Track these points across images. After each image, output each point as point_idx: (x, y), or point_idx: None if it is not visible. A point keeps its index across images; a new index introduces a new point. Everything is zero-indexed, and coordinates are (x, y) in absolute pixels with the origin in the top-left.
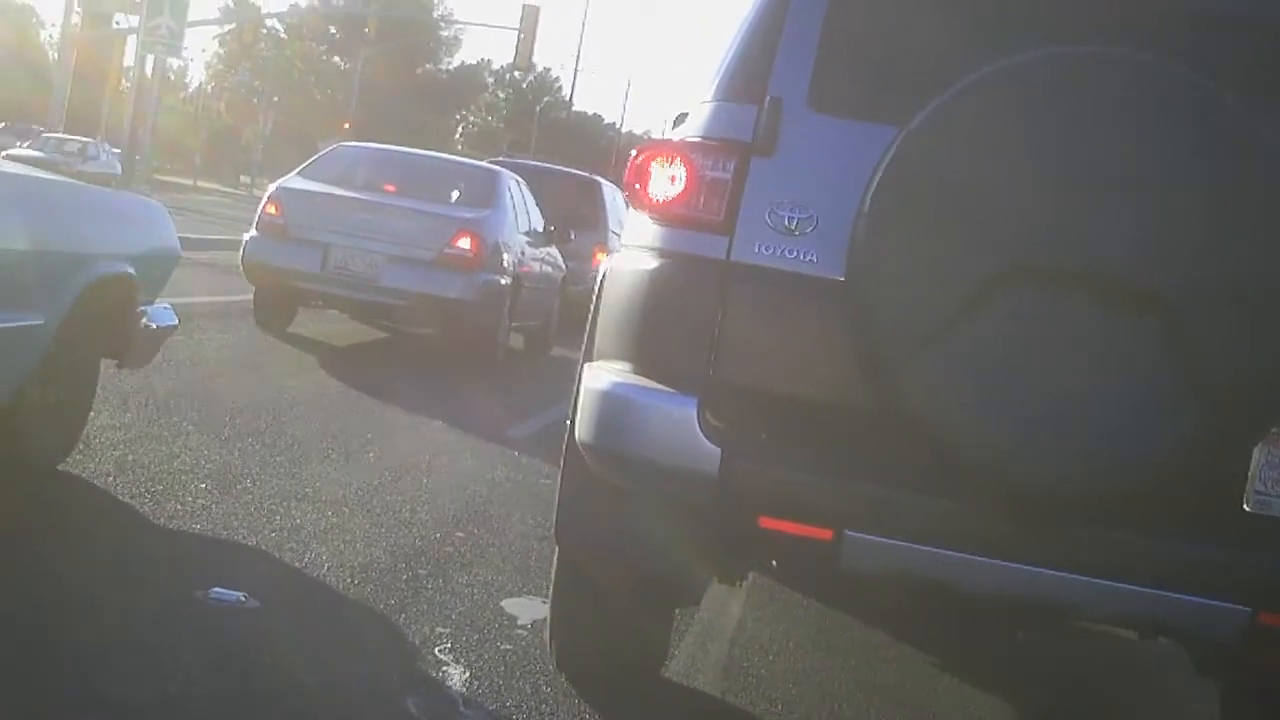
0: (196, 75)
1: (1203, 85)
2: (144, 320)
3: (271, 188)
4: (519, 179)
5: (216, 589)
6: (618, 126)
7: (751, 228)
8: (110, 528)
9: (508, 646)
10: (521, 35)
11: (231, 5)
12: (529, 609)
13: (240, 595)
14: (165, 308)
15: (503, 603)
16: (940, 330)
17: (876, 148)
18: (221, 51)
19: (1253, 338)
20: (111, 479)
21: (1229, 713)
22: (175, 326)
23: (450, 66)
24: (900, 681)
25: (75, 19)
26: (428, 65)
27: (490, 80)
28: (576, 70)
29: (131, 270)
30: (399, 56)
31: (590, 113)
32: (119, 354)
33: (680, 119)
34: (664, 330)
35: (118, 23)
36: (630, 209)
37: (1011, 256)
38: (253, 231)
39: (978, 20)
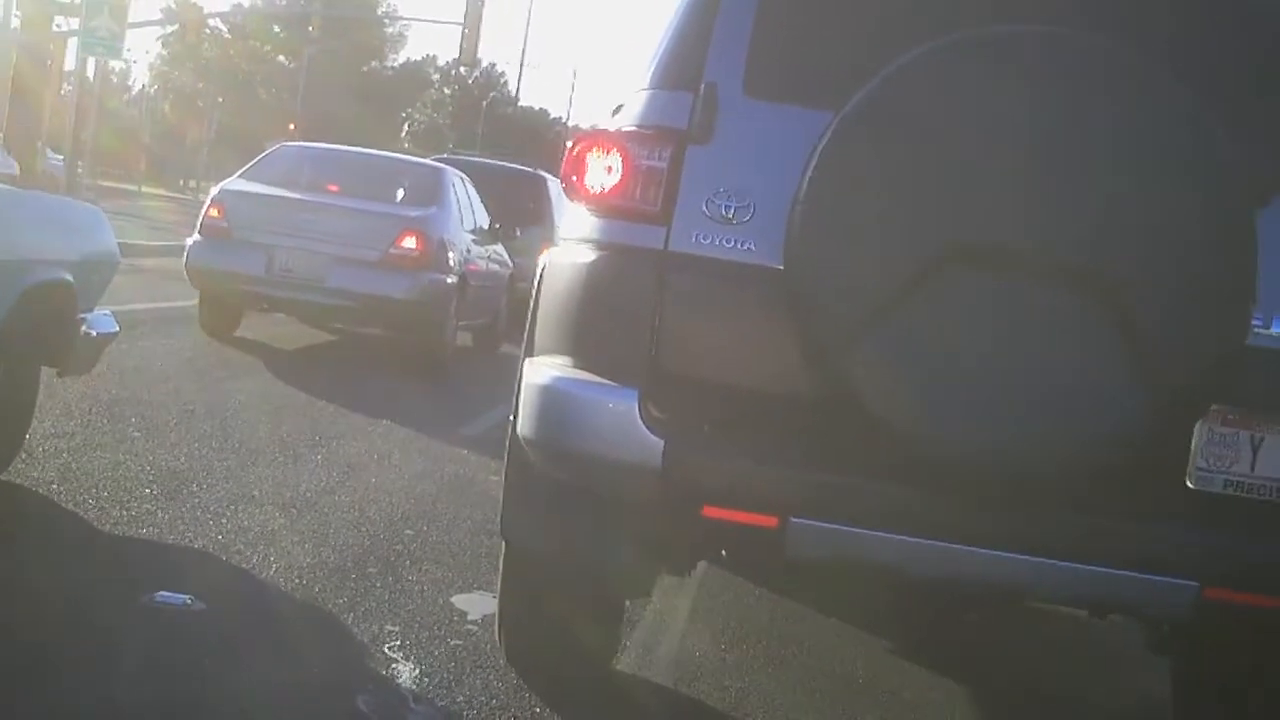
0: (140, 78)
1: (1141, 63)
2: (84, 328)
3: (214, 190)
4: (464, 176)
5: (162, 593)
6: (564, 121)
7: (689, 217)
8: (55, 535)
9: (458, 642)
10: (466, 31)
11: (173, 6)
12: (479, 604)
13: (186, 598)
14: (106, 315)
15: (453, 599)
16: (879, 315)
17: (813, 133)
18: (165, 53)
19: (1190, 315)
20: (55, 487)
21: (1181, 688)
22: (116, 334)
23: (396, 64)
24: (853, 667)
25: (15, 23)
26: (373, 63)
27: (436, 77)
28: (522, 65)
29: (69, 277)
30: (344, 54)
31: (537, 108)
32: (59, 362)
33: (618, 110)
34: (603, 323)
35: (59, 25)
36: (568, 201)
37: (949, 238)
38: (196, 236)
39: (914, 2)
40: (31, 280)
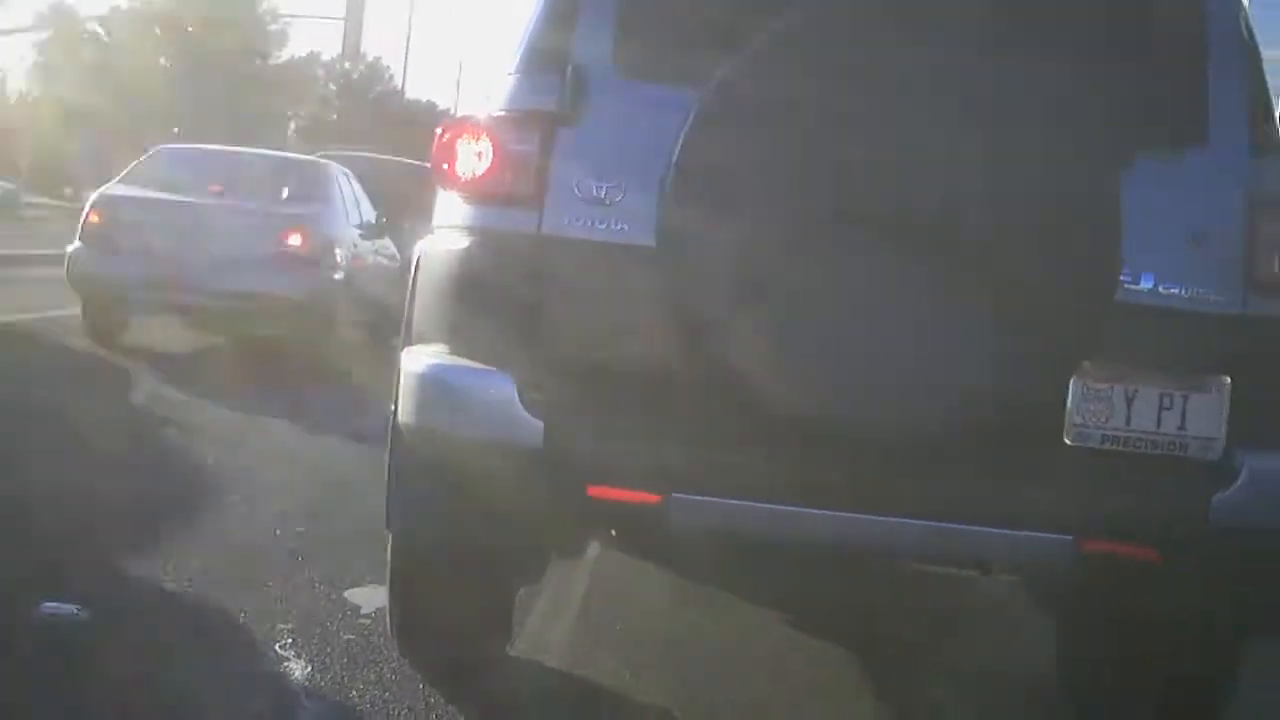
0: (17, 85)
1: (1004, 23)
2: None
3: (94, 196)
4: (348, 172)
5: (48, 603)
6: (452, 112)
7: (561, 200)
8: None
9: (350, 636)
10: (348, 24)
11: (46, 11)
12: (372, 598)
13: (73, 608)
14: None
15: (345, 593)
16: (750, 286)
17: (681, 112)
18: (42, 60)
19: (1058, 271)
20: None
21: (1064, 645)
22: None
23: (279, 61)
24: (748, 639)
25: None
26: (257, 61)
27: (321, 73)
28: (407, 58)
29: None
30: (227, 53)
31: (425, 100)
32: None
33: (488, 95)
34: (479, 309)
35: None
36: (440, 189)
37: (814, 206)
38: (76, 243)
39: None
40: None
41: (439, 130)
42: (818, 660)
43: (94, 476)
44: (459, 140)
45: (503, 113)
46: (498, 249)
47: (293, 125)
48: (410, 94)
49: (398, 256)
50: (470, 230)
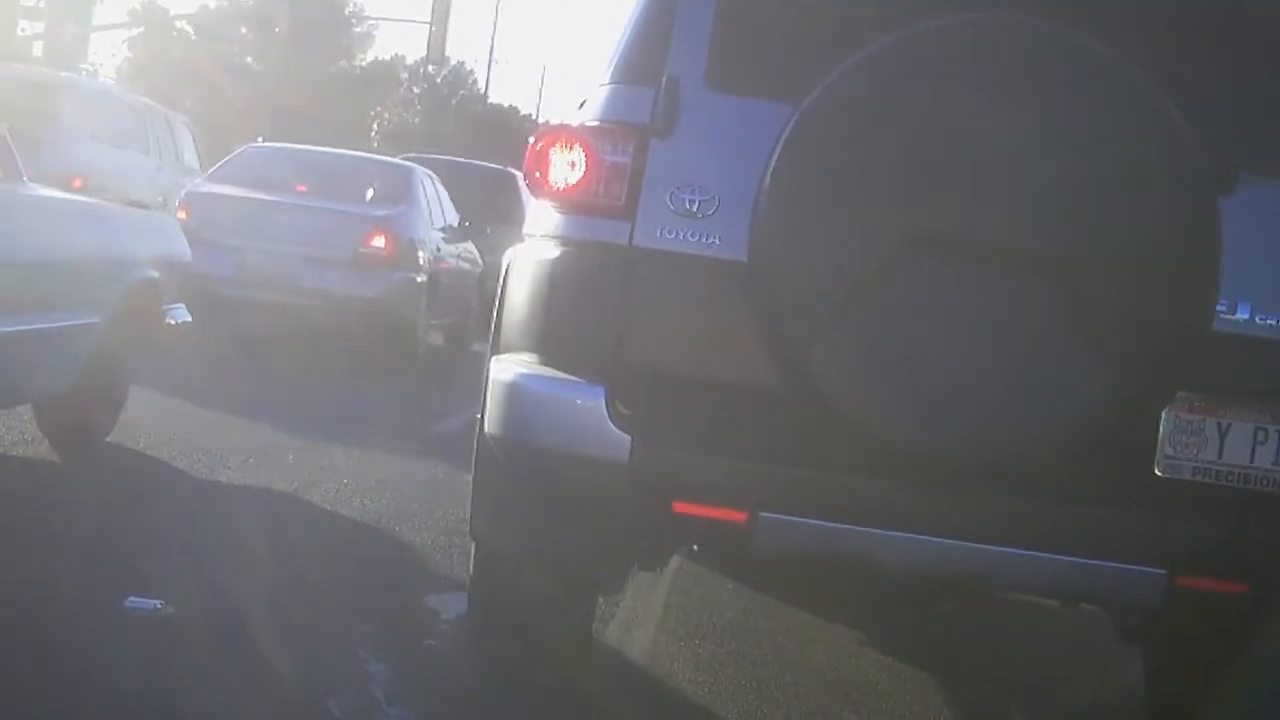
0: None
1: (1102, 50)
2: (167, 318)
3: (181, 193)
4: (432, 174)
5: (133, 597)
6: (534, 118)
7: (653, 212)
8: (34, 535)
9: (431, 642)
10: (433, 29)
11: (139, 8)
12: (452, 604)
13: (157, 603)
14: (180, 307)
15: (426, 599)
16: (844, 307)
17: (776, 126)
18: (131, 56)
19: (1152, 303)
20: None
21: (1154, 677)
22: (190, 323)
23: (364, 63)
24: (829, 660)
25: None
26: (341, 62)
27: (405, 76)
28: (490, 62)
29: (157, 275)
30: (312, 55)
31: (506, 105)
32: (147, 347)
33: (581, 105)
34: (569, 319)
35: (23, 30)
36: (531, 197)
37: (912, 229)
38: None
39: None
40: (133, 279)
41: (532, 139)
42: (898, 681)
43: (175, 469)
44: (552, 149)
45: (596, 123)
46: (589, 259)
47: (375, 127)
48: (492, 99)
49: (479, 260)
50: (562, 240)
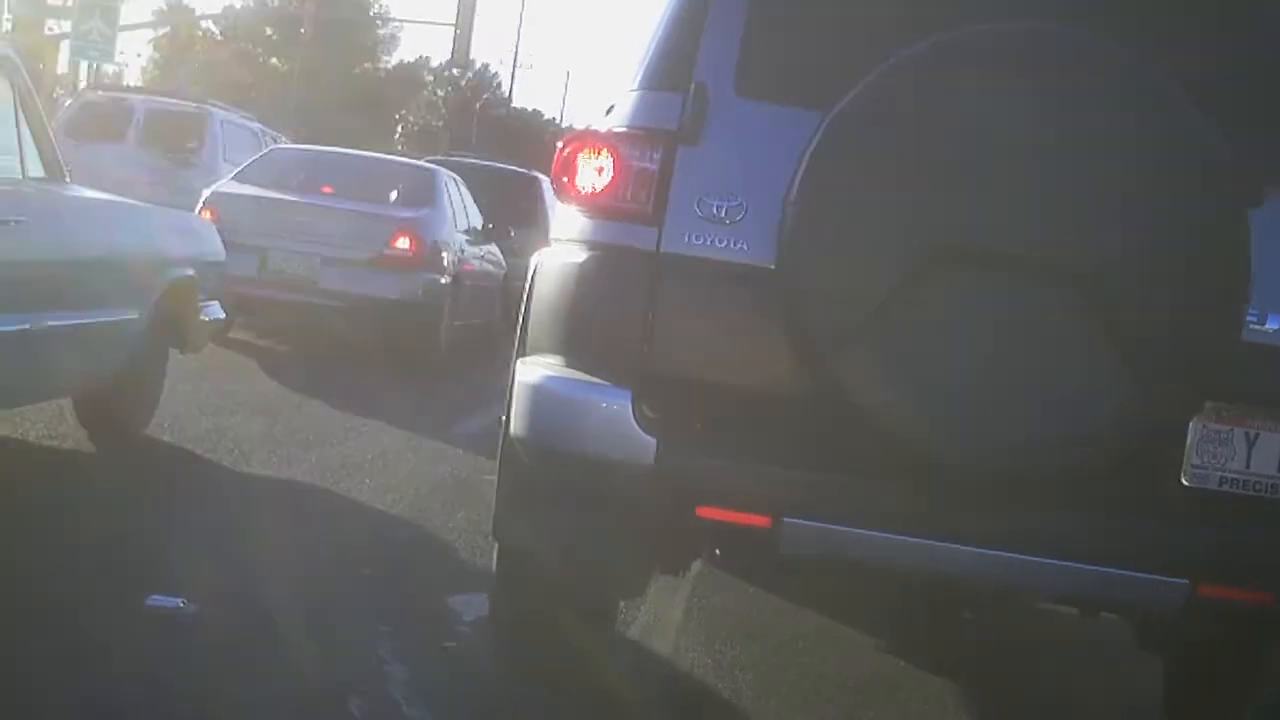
0: (133, 81)
1: (1132, 61)
2: (201, 315)
3: (205, 192)
4: (456, 177)
5: (154, 595)
6: (558, 121)
7: (681, 217)
8: (51, 535)
9: (451, 644)
10: (458, 32)
11: (165, 8)
12: (473, 606)
13: (178, 601)
14: (214, 304)
15: (447, 600)
16: (871, 314)
17: (804, 133)
18: (157, 56)
19: (1181, 313)
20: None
21: (1173, 686)
22: (223, 319)
23: (389, 65)
24: (850, 665)
25: (6, 25)
26: (366, 64)
27: (429, 78)
28: (515, 66)
29: (193, 273)
30: (337, 56)
31: (530, 108)
32: (182, 343)
33: (609, 110)
34: (595, 323)
35: (50, 29)
36: (558, 202)
37: (939, 238)
38: None
39: (904, 1)
40: (171, 277)
41: (560, 144)
42: (921, 686)
43: (195, 468)
44: (580, 154)
45: (625, 129)
46: (616, 264)
47: (400, 129)
48: (516, 103)
49: (503, 263)
50: (589, 244)
